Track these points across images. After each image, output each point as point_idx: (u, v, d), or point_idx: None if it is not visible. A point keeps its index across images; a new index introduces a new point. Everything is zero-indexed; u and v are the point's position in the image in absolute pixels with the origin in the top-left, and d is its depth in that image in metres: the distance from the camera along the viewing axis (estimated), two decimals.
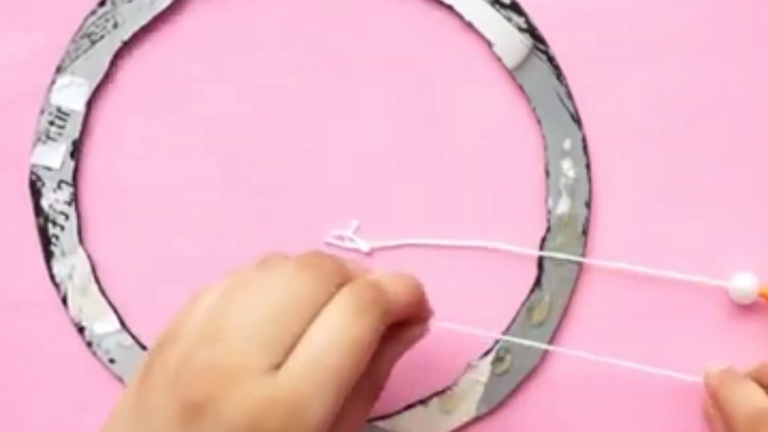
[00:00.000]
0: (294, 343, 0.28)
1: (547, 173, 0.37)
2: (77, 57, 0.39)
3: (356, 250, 0.38)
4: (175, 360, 0.28)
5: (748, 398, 0.33)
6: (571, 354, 0.37)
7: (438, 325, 0.35)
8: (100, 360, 0.39)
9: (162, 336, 0.30)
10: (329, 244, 0.38)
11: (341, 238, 0.38)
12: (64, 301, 0.39)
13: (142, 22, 0.39)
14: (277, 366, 0.28)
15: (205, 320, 0.29)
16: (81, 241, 0.39)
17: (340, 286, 0.29)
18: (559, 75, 0.37)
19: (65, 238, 0.39)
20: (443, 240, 0.38)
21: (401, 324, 0.32)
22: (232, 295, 0.29)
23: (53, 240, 0.39)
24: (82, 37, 0.39)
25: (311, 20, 0.39)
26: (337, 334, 0.28)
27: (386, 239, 0.38)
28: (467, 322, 0.37)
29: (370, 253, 0.38)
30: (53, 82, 0.39)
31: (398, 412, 0.37)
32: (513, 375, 0.37)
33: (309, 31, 0.39)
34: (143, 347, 0.38)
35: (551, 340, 0.37)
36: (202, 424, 0.27)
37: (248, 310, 0.28)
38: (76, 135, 0.39)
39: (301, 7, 0.39)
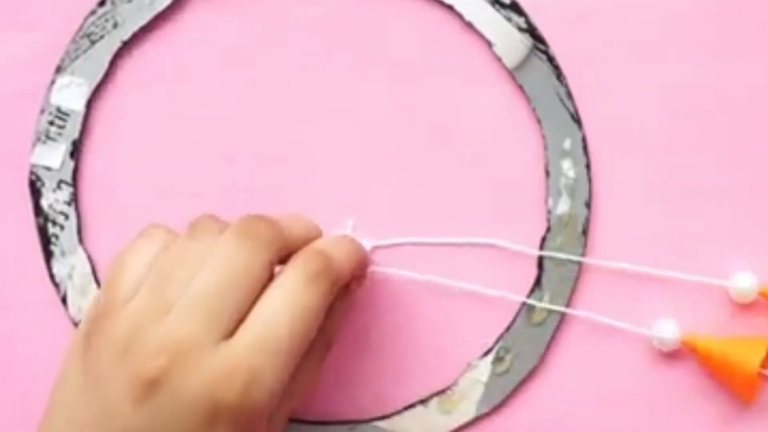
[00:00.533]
0: (241, 314, 0.29)
1: (547, 173, 0.37)
2: (77, 57, 0.39)
3: None
4: (119, 335, 0.29)
5: None
6: (571, 354, 0.37)
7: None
8: None
9: (98, 306, 0.30)
10: None
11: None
12: (64, 301, 0.39)
13: (142, 22, 0.39)
14: (228, 337, 0.29)
15: (146, 295, 0.30)
16: (81, 241, 0.39)
17: (280, 251, 0.31)
18: (559, 75, 0.37)
19: (65, 238, 0.39)
20: (443, 238, 0.38)
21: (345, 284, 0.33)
22: (170, 270, 0.30)
23: (53, 240, 0.39)
24: (82, 37, 0.39)
25: (311, 20, 0.39)
26: (288, 303, 0.29)
27: (386, 238, 0.38)
28: (467, 322, 0.37)
29: (371, 251, 0.38)
30: (53, 82, 0.39)
31: (398, 412, 0.37)
32: (513, 375, 0.37)
33: (308, 31, 0.39)
34: None
35: (551, 340, 0.37)
36: (158, 399, 0.28)
37: (192, 286, 0.29)
38: (76, 135, 0.39)
39: (301, 7, 0.39)
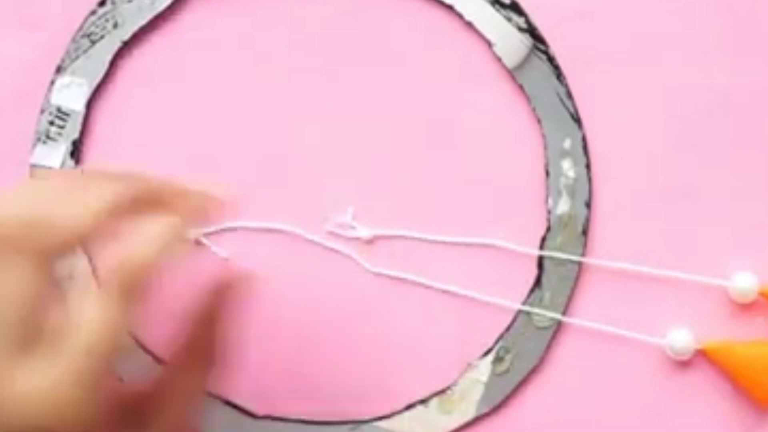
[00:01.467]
0: (35, 333, 0.27)
1: (547, 173, 0.37)
2: (77, 57, 0.39)
3: (357, 239, 0.38)
4: None
5: None
6: (571, 354, 0.37)
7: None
8: None
9: None
10: (330, 233, 0.38)
11: (342, 225, 0.38)
12: None
13: (142, 22, 0.39)
14: (28, 358, 0.27)
15: None
16: None
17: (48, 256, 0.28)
18: (559, 75, 0.37)
19: None
20: (443, 237, 0.38)
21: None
22: None
23: None
24: (82, 37, 0.39)
25: (311, 20, 0.39)
26: (94, 324, 0.27)
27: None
28: (467, 321, 0.38)
29: (370, 241, 0.38)
30: (53, 82, 0.39)
31: (398, 412, 0.37)
32: (513, 375, 0.37)
33: (308, 31, 0.39)
34: (143, 347, 0.38)
35: (551, 340, 0.37)
36: None
37: None
38: (76, 135, 0.39)
39: (301, 7, 0.39)
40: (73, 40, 0.39)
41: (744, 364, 0.36)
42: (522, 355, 0.37)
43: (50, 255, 0.28)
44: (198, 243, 0.38)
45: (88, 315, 0.27)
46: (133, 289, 0.28)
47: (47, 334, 0.27)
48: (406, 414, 0.37)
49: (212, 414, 0.38)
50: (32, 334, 0.27)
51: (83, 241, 0.29)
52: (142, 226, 0.29)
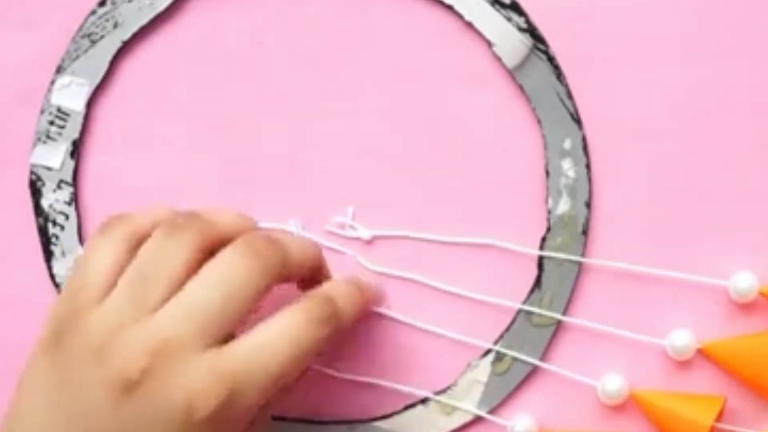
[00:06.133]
0: (230, 328, 0.29)
1: (547, 173, 0.38)
2: (77, 57, 0.39)
3: (357, 239, 0.38)
4: (95, 334, 0.29)
5: None
6: (572, 354, 0.37)
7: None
8: None
9: (66, 306, 0.30)
10: (330, 233, 0.38)
11: (342, 225, 0.38)
12: None
13: (143, 21, 0.39)
14: (212, 347, 0.29)
15: (124, 294, 0.30)
16: (81, 241, 0.39)
17: (281, 276, 0.31)
18: (559, 75, 0.38)
19: (65, 238, 0.39)
20: (444, 237, 0.38)
21: None
22: (150, 270, 0.30)
23: (53, 240, 0.39)
24: (82, 37, 0.39)
25: (311, 19, 0.39)
26: (289, 337, 0.30)
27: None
28: (466, 321, 0.38)
29: (370, 242, 0.38)
30: (53, 82, 0.39)
31: (398, 412, 0.38)
32: (513, 375, 0.37)
33: (309, 31, 0.39)
34: None
35: (551, 340, 0.37)
36: (136, 399, 0.28)
37: (187, 289, 0.29)
38: (76, 135, 0.39)
39: (301, 7, 0.39)
40: (73, 40, 0.39)
41: (744, 362, 0.36)
42: (522, 355, 0.37)
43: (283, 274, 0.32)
44: None
45: (281, 330, 0.30)
46: (329, 331, 0.31)
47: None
48: (406, 414, 0.38)
49: None
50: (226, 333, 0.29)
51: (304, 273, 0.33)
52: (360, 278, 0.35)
